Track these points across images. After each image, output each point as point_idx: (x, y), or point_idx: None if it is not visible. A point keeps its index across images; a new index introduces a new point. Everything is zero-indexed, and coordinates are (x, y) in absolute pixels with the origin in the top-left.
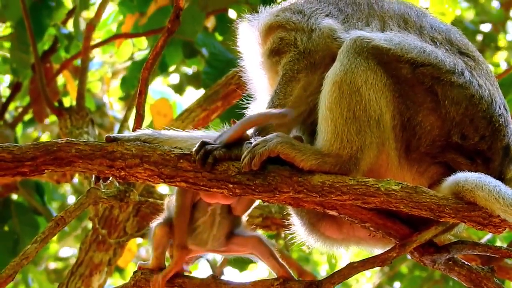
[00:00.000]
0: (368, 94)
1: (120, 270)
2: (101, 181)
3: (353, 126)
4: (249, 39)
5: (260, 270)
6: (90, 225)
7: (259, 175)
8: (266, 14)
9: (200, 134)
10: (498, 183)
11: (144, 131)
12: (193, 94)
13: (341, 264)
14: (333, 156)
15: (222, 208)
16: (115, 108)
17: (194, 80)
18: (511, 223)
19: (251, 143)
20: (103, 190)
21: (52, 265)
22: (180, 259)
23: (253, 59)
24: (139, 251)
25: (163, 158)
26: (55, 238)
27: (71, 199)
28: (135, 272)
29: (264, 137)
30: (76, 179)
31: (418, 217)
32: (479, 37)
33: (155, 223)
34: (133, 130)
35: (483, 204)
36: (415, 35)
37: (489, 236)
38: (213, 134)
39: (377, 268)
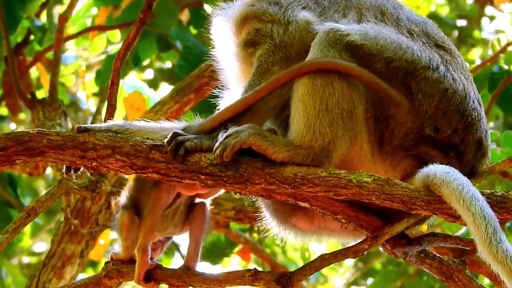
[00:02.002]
0: (341, 87)
1: (94, 264)
2: (72, 171)
3: (326, 118)
4: (223, 29)
5: (233, 264)
6: (63, 218)
7: (231, 166)
8: (241, 3)
9: (172, 125)
10: (464, 180)
11: (115, 122)
12: (167, 89)
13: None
14: (305, 148)
15: (188, 197)
16: (90, 103)
17: (168, 75)
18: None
19: (225, 132)
20: (75, 181)
21: (26, 259)
22: (143, 263)
23: (227, 49)
24: (113, 245)
25: (135, 149)
26: (28, 232)
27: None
28: (106, 263)
29: (236, 128)
30: (50, 175)
31: (390, 209)
32: (455, 34)
33: (117, 213)
34: (105, 121)
35: (448, 201)
36: (392, 27)
37: (463, 230)
38: (184, 125)
39: (351, 264)
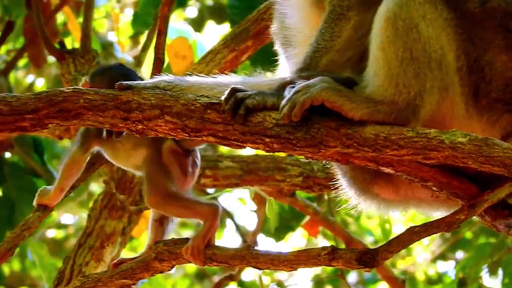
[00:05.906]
0: (427, 31)
1: (131, 240)
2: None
3: (410, 68)
4: None
5: (298, 240)
6: (96, 189)
7: (300, 127)
8: None
9: (229, 80)
10: None
11: (162, 77)
12: (215, 31)
13: (395, 230)
14: (388, 103)
15: None
16: (125, 50)
17: (216, 13)
18: None
19: (293, 87)
20: None
21: (50, 233)
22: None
23: None
24: None
25: (188, 109)
26: None
27: None
28: (157, 243)
29: (306, 82)
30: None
31: (489, 174)
32: None
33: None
34: (152, 77)
35: None
36: None
37: None
38: (243, 79)
39: (437, 235)
